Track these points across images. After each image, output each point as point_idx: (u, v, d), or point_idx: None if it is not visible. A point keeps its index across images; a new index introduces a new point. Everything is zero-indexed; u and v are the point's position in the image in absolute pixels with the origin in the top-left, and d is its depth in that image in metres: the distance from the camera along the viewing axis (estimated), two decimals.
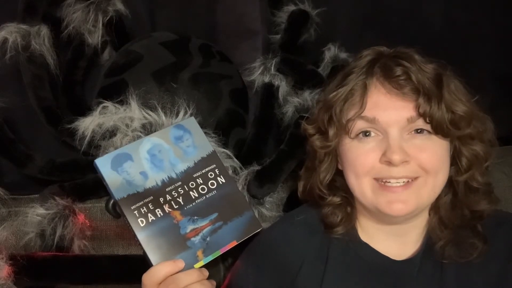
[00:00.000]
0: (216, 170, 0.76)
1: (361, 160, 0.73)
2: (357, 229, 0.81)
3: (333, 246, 0.80)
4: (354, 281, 0.78)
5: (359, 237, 0.81)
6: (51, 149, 1.18)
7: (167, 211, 0.71)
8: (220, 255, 0.73)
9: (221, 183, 0.75)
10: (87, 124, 1.02)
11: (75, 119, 1.04)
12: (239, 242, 0.74)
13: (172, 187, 0.73)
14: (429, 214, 0.79)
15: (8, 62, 1.11)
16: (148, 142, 0.74)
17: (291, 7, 1.21)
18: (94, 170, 1.06)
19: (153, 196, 0.71)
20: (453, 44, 1.31)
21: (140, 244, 0.69)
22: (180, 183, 0.73)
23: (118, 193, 0.70)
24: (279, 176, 1.06)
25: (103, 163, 0.71)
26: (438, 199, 0.77)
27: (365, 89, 0.73)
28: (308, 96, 1.11)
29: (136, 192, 0.70)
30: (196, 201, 0.73)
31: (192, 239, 0.71)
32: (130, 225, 0.69)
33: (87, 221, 1.01)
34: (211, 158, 0.76)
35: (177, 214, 0.71)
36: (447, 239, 0.76)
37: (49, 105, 1.15)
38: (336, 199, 0.81)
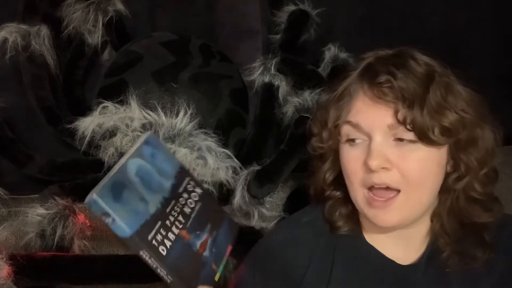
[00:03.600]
0: (191, 182, 0.73)
1: (350, 166, 0.74)
2: (362, 231, 0.81)
3: (339, 247, 0.80)
4: (360, 284, 0.77)
5: (365, 239, 0.80)
6: (51, 149, 1.18)
7: (176, 233, 0.67)
8: None
9: (200, 193, 0.73)
10: (87, 124, 1.01)
11: (75, 119, 1.04)
12: (233, 245, 0.73)
13: (170, 207, 0.68)
14: (431, 221, 0.78)
15: (8, 62, 1.11)
16: (132, 165, 0.67)
17: (291, 7, 1.21)
18: (94, 170, 1.08)
19: (160, 221, 0.66)
20: (453, 44, 1.31)
21: (166, 275, 0.64)
22: (174, 201, 0.69)
23: (131, 227, 0.62)
24: (279, 176, 1.06)
25: (104, 197, 0.61)
26: (439, 204, 0.77)
27: (350, 95, 0.74)
28: (308, 96, 1.11)
29: (145, 221, 0.64)
30: (192, 216, 0.70)
31: (204, 254, 0.68)
32: (152, 258, 0.63)
33: (87, 221, 1.01)
34: (183, 172, 0.73)
35: (184, 233, 0.68)
36: (451, 249, 0.75)
37: (49, 105, 1.15)
38: (336, 193, 0.81)
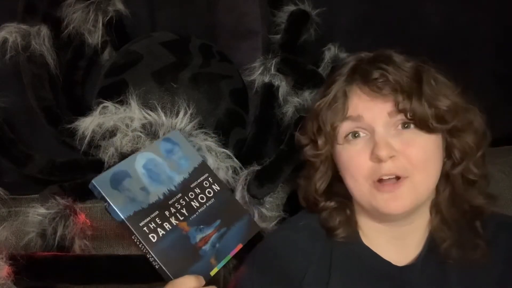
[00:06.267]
0: (209, 178, 0.78)
1: (354, 161, 0.74)
2: (359, 233, 0.81)
3: (336, 251, 0.80)
4: (358, 286, 0.78)
5: (362, 241, 0.81)
6: (51, 149, 1.18)
7: (175, 224, 0.71)
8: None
9: (216, 190, 0.77)
10: (87, 124, 1.02)
11: (75, 119, 1.04)
12: (244, 244, 0.76)
13: (174, 199, 0.73)
14: (431, 214, 0.79)
15: (8, 62, 1.11)
16: (142, 157, 0.73)
17: (291, 7, 1.21)
18: (94, 170, 1.08)
19: (158, 211, 0.71)
20: (453, 44, 1.31)
21: (154, 260, 0.69)
22: (180, 194, 0.74)
23: (124, 212, 0.68)
24: (279, 176, 1.06)
25: (102, 183, 0.69)
26: (437, 195, 0.77)
27: (346, 96, 0.75)
28: (308, 96, 1.11)
29: (141, 208, 0.70)
30: (199, 210, 0.74)
31: (203, 247, 0.72)
32: (142, 243, 0.68)
33: (88, 220, 1.01)
34: (202, 168, 0.78)
35: (184, 225, 0.72)
36: (451, 240, 0.76)
37: (49, 105, 1.15)
38: (330, 204, 0.81)
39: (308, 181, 0.83)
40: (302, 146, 0.83)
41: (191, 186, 0.75)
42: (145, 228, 0.69)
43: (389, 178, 0.72)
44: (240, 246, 0.75)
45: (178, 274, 0.68)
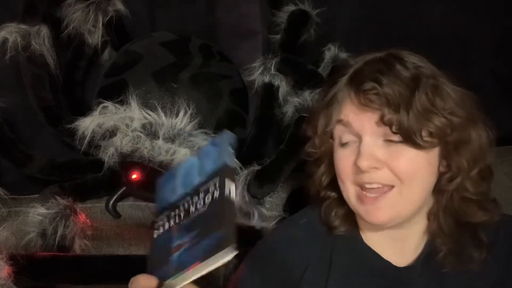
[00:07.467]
0: (216, 183, 0.68)
1: (341, 165, 0.75)
2: (360, 231, 0.82)
3: (336, 249, 0.80)
4: (357, 285, 0.78)
5: (362, 240, 0.81)
6: (51, 149, 1.18)
7: (171, 225, 0.72)
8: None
9: (215, 198, 0.67)
10: (87, 124, 1.02)
11: (75, 119, 1.04)
12: (202, 262, 0.65)
13: (184, 201, 0.71)
14: (428, 220, 0.78)
15: (8, 62, 1.11)
16: (189, 161, 0.74)
17: (291, 7, 1.21)
18: (94, 170, 1.08)
19: (169, 210, 0.73)
20: (453, 44, 1.31)
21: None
22: (189, 197, 0.71)
23: (157, 209, 0.73)
24: (279, 176, 1.06)
25: (157, 185, 0.75)
26: (434, 203, 0.77)
27: (339, 102, 0.75)
28: (308, 96, 1.11)
29: (163, 207, 0.73)
30: (191, 216, 0.69)
31: (174, 254, 0.68)
32: (151, 237, 0.72)
33: (88, 220, 1.01)
34: (218, 172, 0.69)
35: (175, 228, 0.71)
36: (448, 249, 0.75)
37: (49, 105, 1.15)
38: (332, 193, 0.81)
39: (312, 175, 0.84)
40: (306, 139, 0.83)
41: (200, 189, 0.69)
42: (156, 224, 0.72)
43: (372, 187, 0.72)
44: (198, 263, 0.65)
45: (150, 271, 0.69)
